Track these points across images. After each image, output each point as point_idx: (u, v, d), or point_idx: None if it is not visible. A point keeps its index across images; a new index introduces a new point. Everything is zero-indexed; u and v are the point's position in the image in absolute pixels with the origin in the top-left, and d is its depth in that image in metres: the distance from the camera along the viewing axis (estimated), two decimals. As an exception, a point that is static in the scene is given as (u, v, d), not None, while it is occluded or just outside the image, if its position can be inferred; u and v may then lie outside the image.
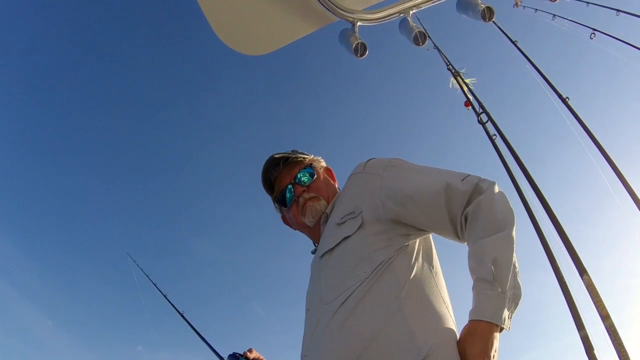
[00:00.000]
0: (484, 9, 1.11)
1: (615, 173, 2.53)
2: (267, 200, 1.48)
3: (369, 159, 1.29)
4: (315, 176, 1.37)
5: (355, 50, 1.30)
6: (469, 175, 1.06)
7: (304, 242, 1.44)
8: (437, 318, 0.94)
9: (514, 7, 4.91)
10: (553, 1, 3.18)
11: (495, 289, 0.84)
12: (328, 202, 1.31)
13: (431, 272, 1.06)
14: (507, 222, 0.96)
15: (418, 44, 1.29)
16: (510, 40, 3.61)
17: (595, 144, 2.69)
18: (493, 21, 1.12)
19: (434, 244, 1.18)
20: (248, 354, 1.38)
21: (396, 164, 1.21)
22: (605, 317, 1.82)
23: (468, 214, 1.00)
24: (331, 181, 1.44)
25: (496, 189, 1.03)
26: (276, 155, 1.38)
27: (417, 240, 1.11)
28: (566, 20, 4.44)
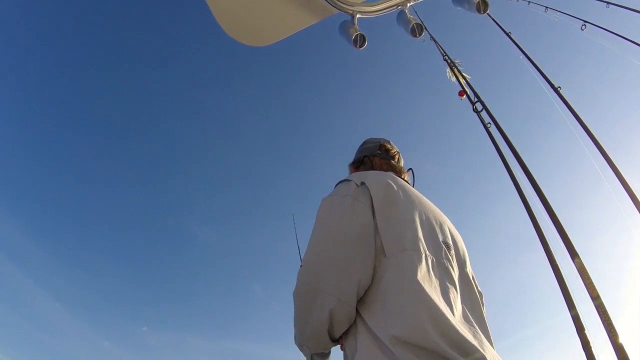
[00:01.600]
0: (478, 1, 1.16)
1: (605, 159, 2.60)
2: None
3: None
4: None
5: (355, 42, 1.35)
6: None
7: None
8: None
9: (507, -1, 4.97)
10: (545, -7, 3.23)
11: None
12: None
13: None
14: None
15: (415, 36, 1.33)
16: (504, 31, 3.66)
17: (586, 132, 2.76)
18: (488, 13, 1.17)
19: None
20: None
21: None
22: (595, 298, 1.89)
23: None
24: None
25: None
26: None
27: None
28: (558, 12, 4.51)
